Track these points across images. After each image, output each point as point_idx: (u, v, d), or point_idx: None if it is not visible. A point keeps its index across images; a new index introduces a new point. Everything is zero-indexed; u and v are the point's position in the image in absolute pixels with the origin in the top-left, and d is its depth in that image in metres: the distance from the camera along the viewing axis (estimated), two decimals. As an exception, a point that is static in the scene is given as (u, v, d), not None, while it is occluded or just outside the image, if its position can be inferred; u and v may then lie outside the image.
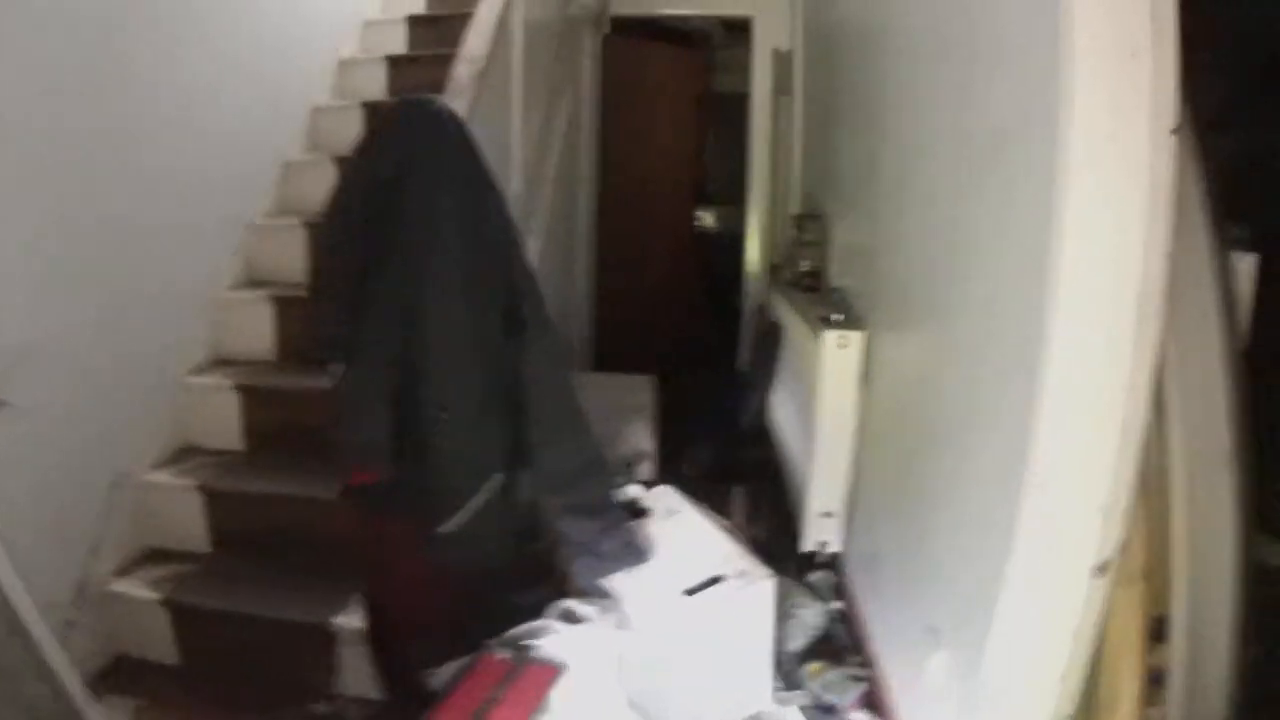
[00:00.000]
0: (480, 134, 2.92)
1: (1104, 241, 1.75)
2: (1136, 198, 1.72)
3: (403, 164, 2.39)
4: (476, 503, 2.48)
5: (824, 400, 3.40)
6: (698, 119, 7.19)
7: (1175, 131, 1.71)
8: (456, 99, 2.97)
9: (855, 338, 3.31)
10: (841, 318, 3.41)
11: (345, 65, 4.84)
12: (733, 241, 6.80)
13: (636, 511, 2.90)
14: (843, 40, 4.38)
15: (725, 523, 2.90)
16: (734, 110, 6.65)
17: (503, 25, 3.50)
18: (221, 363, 3.82)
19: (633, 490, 3.01)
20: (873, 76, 3.62)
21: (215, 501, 3.35)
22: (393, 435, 2.41)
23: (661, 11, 6.49)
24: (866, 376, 3.35)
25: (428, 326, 2.35)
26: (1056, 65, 1.78)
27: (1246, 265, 2.27)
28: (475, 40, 3.30)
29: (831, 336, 3.32)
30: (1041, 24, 1.87)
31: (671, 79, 6.97)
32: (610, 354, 6.35)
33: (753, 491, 4.58)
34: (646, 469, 4.48)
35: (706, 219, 7.89)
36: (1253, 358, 2.18)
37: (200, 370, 3.73)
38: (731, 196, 7.01)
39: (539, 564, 2.85)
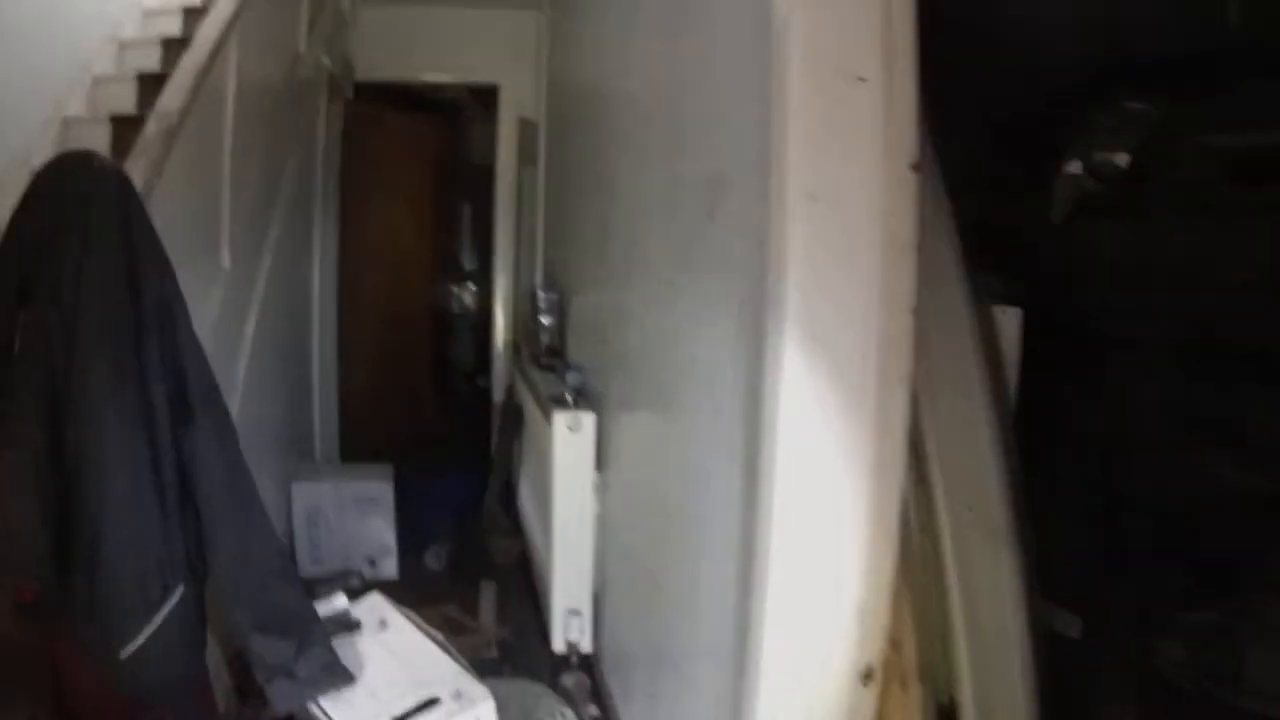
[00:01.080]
0: (174, 200, 2.68)
1: (831, 295, 1.53)
2: (871, 240, 1.52)
3: (52, 227, 2.08)
4: (160, 619, 2.15)
5: (559, 487, 3.20)
6: (447, 192, 6.98)
7: (916, 168, 1.53)
8: (138, 159, 2.64)
9: (587, 420, 3.13)
10: (573, 398, 3.21)
11: (70, 124, 4.34)
12: (485, 320, 6.55)
13: (342, 626, 2.61)
14: (579, 106, 4.27)
15: (440, 637, 2.63)
16: (486, 183, 6.44)
17: (208, 82, 3.18)
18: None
19: (338, 601, 2.70)
20: (603, 141, 3.50)
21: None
22: (49, 544, 2.05)
23: (406, 77, 6.23)
24: (603, 461, 3.15)
25: (76, 417, 2.02)
26: (772, 97, 1.57)
27: (1010, 320, 2.13)
28: (170, 96, 2.96)
29: (562, 419, 3.14)
30: (756, 55, 1.66)
31: (418, 149, 6.75)
32: (354, 442, 6.00)
33: (503, 587, 4.31)
34: (388, 565, 4.31)
35: (461, 296, 7.63)
36: (1024, 419, 2.04)
37: None
38: (484, 273, 6.75)
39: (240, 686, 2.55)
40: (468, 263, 7.38)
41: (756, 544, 1.63)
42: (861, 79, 1.51)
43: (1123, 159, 3.54)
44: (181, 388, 2.18)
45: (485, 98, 6.37)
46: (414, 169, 6.75)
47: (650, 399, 2.64)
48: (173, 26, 5.02)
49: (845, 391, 1.55)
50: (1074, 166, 3.68)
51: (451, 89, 6.78)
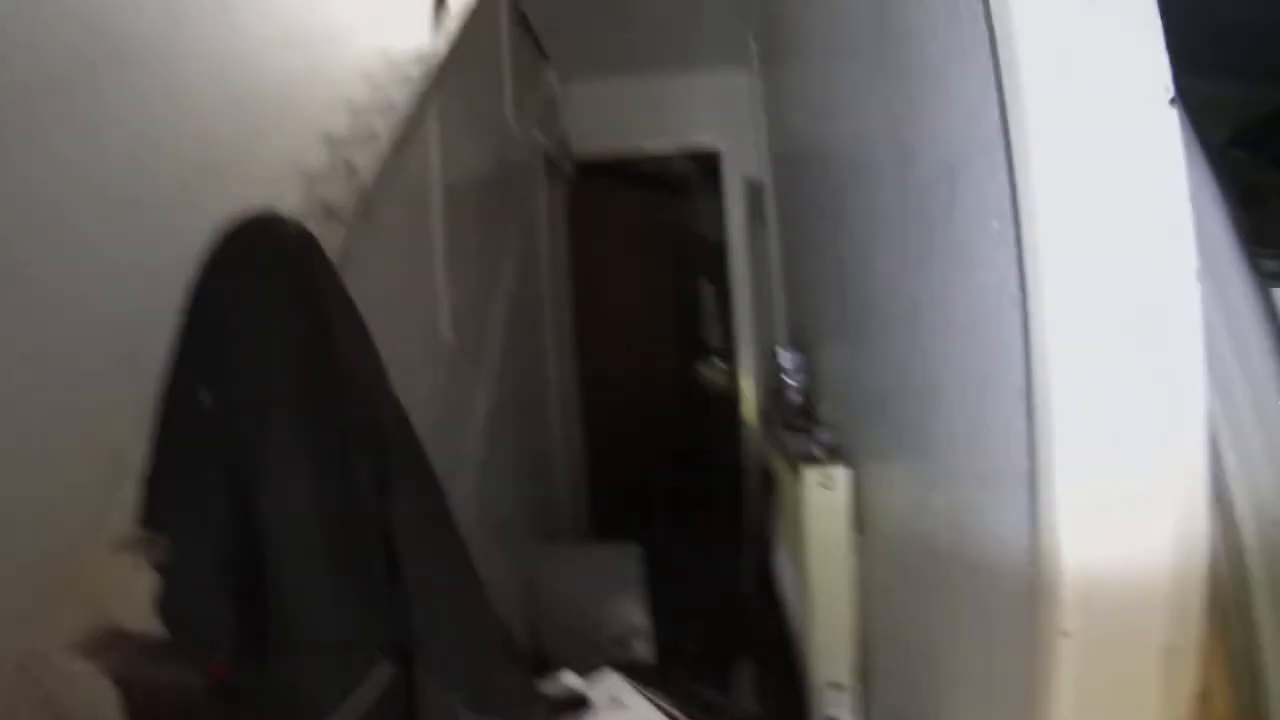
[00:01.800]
0: (378, 271, 2.70)
1: (1097, 260, 1.28)
2: (1134, 190, 1.27)
3: (236, 291, 1.97)
4: (362, 700, 1.98)
5: (813, 550, 2.94)
6: (681, 266, 6.92)
7: (1173, 103, 1.24)
8: (333, 227, 2.61)
9: (840, 475, 2.86)
10: (823, 454, 2.97)
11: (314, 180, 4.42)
12: (733, 392, 6.39)
13: (570, 704, 2.39)
14: (800, 154, 4.08)
15: (680, 716, 2.39)
16: (720, 255, 6.33)
17: (408, 155, 3.18)
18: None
19: (566, 679, 2.49)
20: (828, 182, 3.29)
21: None
22: (237, 616, 1.91)
23: (624, 150, 6.21)
24: (861, 518, 2.87)
25: (265, 487, 1.88)
26: (999, 61, 1.34)
27: None
28: (365, 166, 2.96)
29: (812, 476, 2.88)
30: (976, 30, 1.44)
31: (646, 225, 6.73)
32: (601, 519, 6.02)
33: (760, 664, 4.06)
34: (640, 646, 4.15)
35: (706, 371, 7.52)
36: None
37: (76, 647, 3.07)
38: (728, 345, 6.61)
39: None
40: (711, 337, 7.28)
41: (1044, 592, 1.34)
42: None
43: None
44: (384, 454, 2.03)
45: (708, 164, 6.28)
46: (644, 245, 6.72)
47: (902, 445, 2.36)
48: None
49: (1129, 398, 1.29)
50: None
51: (674, 159, 6.74)
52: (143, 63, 3.38)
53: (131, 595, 2.82)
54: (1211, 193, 1.62)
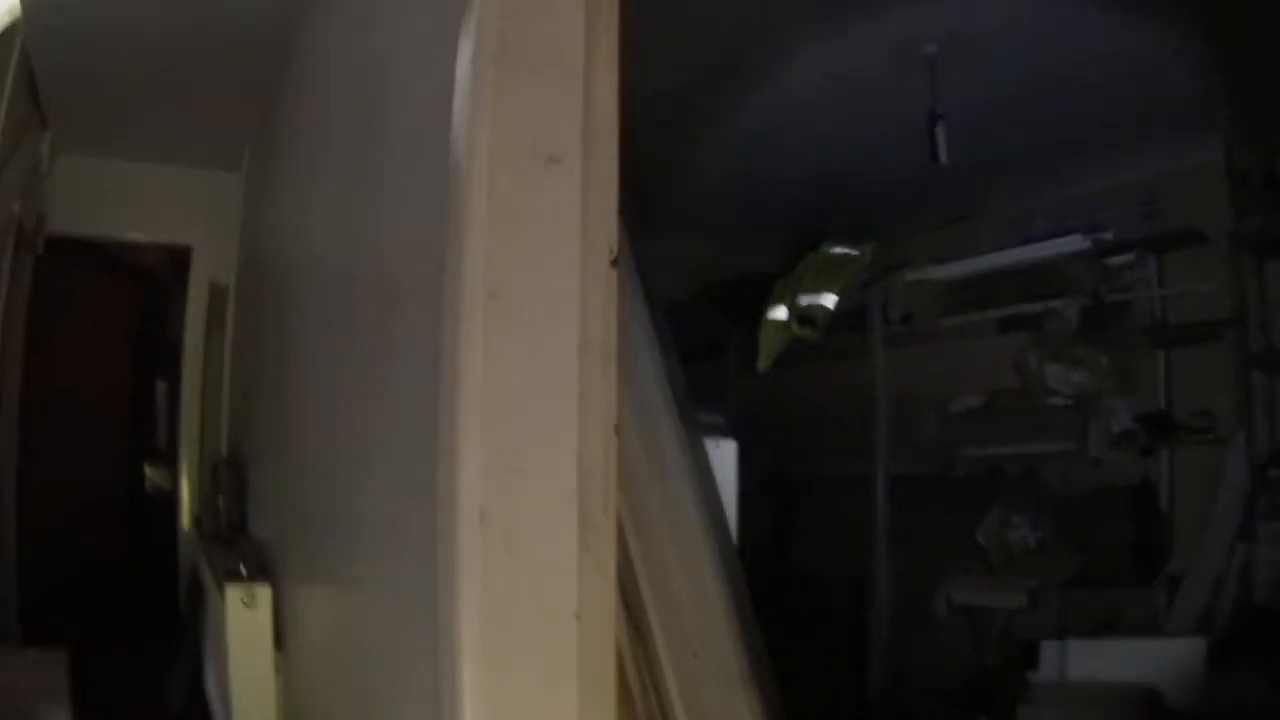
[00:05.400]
0: None
1: (517, 406, 1.34)
2: (563, 343, 1.35)
3: None
4: None
5: (236, 668, 2.95)
6: (141, 363, 6.69)
7: (615, 263, 1.39)
8: None
9: (263, 593, 2.92)
10: (248, 571, 3.02)
11: None
12: (175, 498, 6.13)
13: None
14: (266, 268, 4.11)
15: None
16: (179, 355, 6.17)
17: None
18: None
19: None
20: (285, 303, 3.37)
21: None
22: None
23: (102, 234, 5.99)
24: (285, 638, 2.94)
25: None
26: (453, 184, 1.40)
27: (727, 453, 2.05)
28: None
29: (235, 593, 2.92)
30: (436, 149, 1.51)
31: (112, 316, 6.45)
32: (32, 622, 5.57)
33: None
34: None
35: (153, 475, 7.22)
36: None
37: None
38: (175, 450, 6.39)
39: None
40: (159, 438, 7.06)
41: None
42: (555, 160, 1.37)
43: (829, 300, 3.82)
44: None
45: (181, 261, 6.16)
46: (108, 334, 6.44)
47: (329, 566, 2.46)
48: None
49: (540, 525, 1.36)
50: (781, 313, 3.90)
51: (150, 253, 6.55)
52: None
53: None
54: (652, 354, 1.80)
